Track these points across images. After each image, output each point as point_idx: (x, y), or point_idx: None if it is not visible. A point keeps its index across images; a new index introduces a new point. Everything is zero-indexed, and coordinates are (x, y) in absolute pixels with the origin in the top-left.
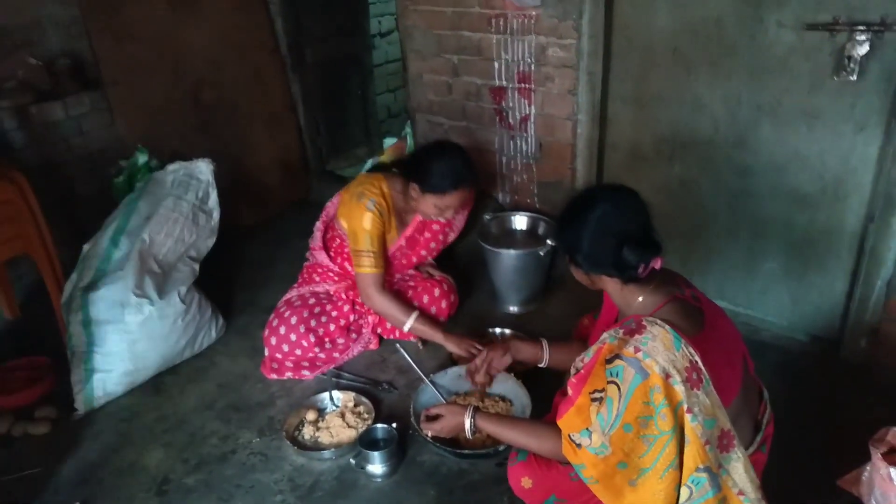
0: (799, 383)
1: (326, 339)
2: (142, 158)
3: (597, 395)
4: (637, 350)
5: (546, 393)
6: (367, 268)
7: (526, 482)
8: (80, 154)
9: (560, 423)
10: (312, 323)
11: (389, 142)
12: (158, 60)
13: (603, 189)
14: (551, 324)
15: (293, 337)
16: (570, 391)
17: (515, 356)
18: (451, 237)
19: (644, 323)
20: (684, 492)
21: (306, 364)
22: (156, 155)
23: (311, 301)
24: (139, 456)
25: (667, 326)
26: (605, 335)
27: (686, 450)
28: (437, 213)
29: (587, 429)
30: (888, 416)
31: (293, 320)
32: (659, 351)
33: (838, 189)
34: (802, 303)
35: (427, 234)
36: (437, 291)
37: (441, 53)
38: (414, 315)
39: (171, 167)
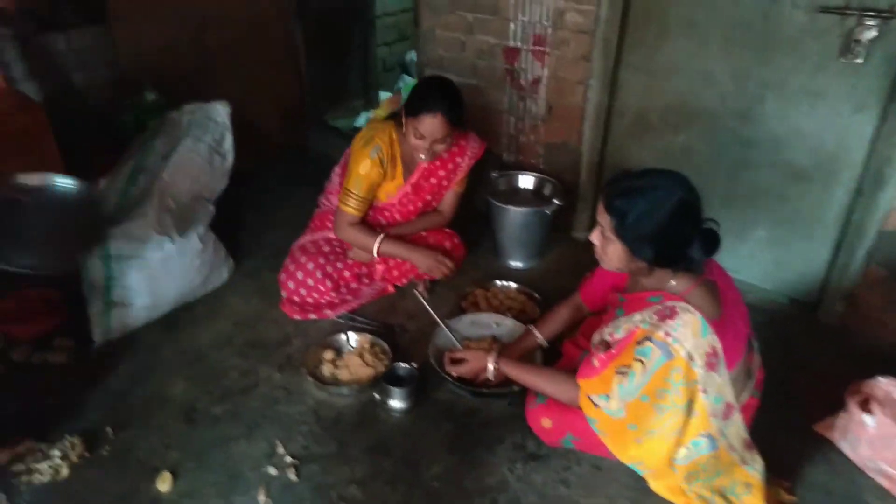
0: (778, 342)
1: (342, 284)
2: (149, 97)
3: (623, 369)
4: (668, 335)
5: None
6: (350, 208)
7: (545, 422)
8: (81, 89)
9: (581, 383)
10: (329, 269)
11: (385, 95)
12: None
13: (671, 174)
14: (551, 277)
15: (310, 282)
16: (596, 363)
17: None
18: (454, 182)
19: (677, 309)
20: (682, 451)
21: (325, 305)
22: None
23: (326, 248)
24: (162, 386)
25: (697, 314)
26: (637, 317)
27: (693, 420)
28: (419, 142)
29: (607, 394)
30: (859, 372)
31: (310, 265)
32: (687, 337)
33: (832, 164)
34: (786, 268)
35: (433, 181)
36: (441, 237)
37: (455, 10)
38: (380, 238)
39: (187, 107)
